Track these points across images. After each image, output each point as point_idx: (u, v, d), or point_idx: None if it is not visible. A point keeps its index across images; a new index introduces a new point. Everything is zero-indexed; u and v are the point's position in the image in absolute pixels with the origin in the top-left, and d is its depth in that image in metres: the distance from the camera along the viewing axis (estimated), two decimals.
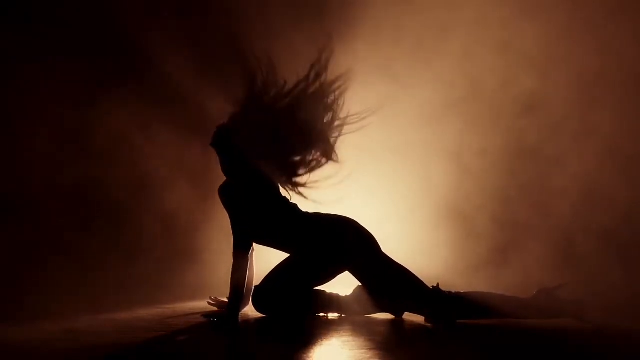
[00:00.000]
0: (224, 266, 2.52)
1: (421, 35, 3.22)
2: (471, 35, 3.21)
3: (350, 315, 2.39)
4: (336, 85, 2.31)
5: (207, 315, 2.31)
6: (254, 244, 2.40)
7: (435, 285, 2.26)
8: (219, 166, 2.42)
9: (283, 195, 2.43)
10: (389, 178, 3.29)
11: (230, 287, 2.28)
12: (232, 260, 2.31)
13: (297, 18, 3.07)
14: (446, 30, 3.21)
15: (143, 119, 3.09)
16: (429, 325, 2.20)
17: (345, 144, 3.19)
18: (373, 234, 2.39)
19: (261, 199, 2.38)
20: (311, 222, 2.39)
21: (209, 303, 2.49)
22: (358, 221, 2.41)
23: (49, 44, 2.96)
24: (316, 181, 2.33)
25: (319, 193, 2.35)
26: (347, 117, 2.32)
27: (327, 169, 2.34)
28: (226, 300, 2.42)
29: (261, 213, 2.37)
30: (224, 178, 2.42)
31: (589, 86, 3.11)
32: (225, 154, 2.38)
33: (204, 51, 3.15)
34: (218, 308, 2.45)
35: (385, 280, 2.30)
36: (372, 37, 3.18)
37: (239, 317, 2.28)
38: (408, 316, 2.33)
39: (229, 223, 2.35)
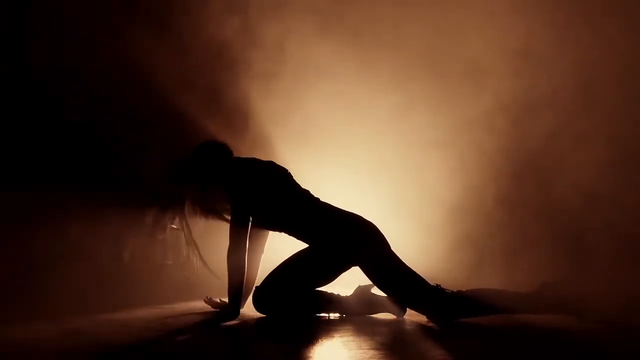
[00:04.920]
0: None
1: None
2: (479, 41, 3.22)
3: (351, 315, 2.38)
4: None
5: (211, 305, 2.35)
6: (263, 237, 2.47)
7: (436, 284, 2.25)
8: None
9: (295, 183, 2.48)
10: (391, 179, 3.29)
11: (229, 272, 2.25)
12: (229, 242, 2.27)
13: None
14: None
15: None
16: (431, 324, 2.19)
17: (350, 146, 3.21)
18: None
19: (273, 183, 2.42)
20: (327, 212, 2.39)
21: (205, 302, 2.48)
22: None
23: (53, 37, 2.95)
24: None
25: None
26: None
27: None
28: (219, 301, 2.43)
29: (276, 195, 2.39)
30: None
31: (595, 86, 3.11)
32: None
33: None
34: (213, 308, 2.44)
35: (393, 280, 2.29)
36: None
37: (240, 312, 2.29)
38: (408, 316, 2.33)
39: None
